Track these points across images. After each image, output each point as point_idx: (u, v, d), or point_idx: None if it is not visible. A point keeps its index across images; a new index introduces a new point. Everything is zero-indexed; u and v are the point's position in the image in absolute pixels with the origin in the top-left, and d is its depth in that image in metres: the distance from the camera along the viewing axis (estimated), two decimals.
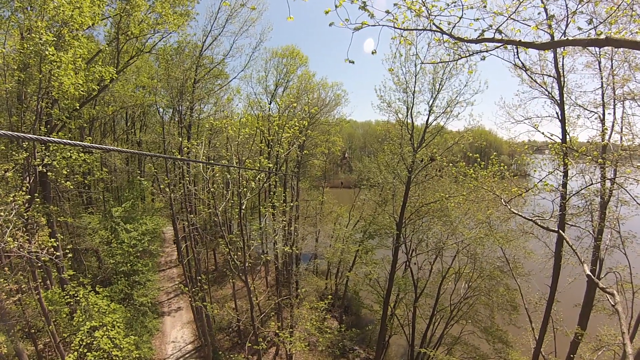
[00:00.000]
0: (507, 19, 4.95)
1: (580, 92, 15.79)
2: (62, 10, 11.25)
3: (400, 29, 4.87)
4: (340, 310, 30.35)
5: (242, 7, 19.72)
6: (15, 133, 2.26)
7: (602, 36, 2.95)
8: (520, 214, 9.66)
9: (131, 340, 15.97)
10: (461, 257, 21.92)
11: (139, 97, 27.21)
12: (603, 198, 14.46)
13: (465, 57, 5.97)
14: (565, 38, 3.79)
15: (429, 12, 5.00)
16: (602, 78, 14.79)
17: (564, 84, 14.65)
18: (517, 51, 4.76)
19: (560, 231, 7.57)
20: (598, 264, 15.46)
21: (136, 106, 30.96)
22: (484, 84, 17.07)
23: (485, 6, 5.12)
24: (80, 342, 14.43)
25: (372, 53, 4.99)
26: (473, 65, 16.47)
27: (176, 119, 22.32)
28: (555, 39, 12.56)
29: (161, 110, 26.29)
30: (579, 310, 16.38)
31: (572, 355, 16.10)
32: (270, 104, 30.05)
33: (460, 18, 4.94)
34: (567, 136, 14.57)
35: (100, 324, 15.34)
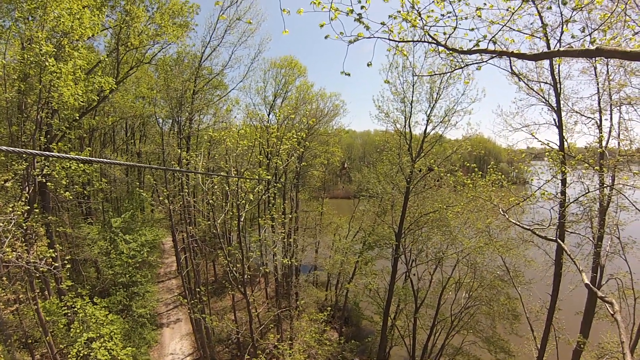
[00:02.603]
0: (502, 28, 5.00)
1: (577, 98, 15.89)
2: (62, 22, 11.36)
3: (396, 40, 4.89)
4: (341, 321, 30.11)
5: (238, 20, 19.94)
6: (16, 149, 2.28)
7: (593, 47, 2.99)
8: (518, 223, 9.63)
9: (129, 351, 15.84)
10: (461, 267, 21.82)
11: (139, 108, 27.37)
12: (602, 204, 14.46)
13: (461, 67, 6.00)
14: (557, 49, 3.84)
15: (424, 23, 5.00)
16: (598, 84, 14.89)
17: (560, 90, 14.73)
18: (510, 61, 4.79)
19: (559, 240, 7.56)
20: (599, 270, 15.41)
21: (136, 117, 31.14)
22: (481, 92, 17.25)
23: (480, 16, 5.14)
24: (78, 353, 14.32)
25: (368, 65, 5.02)
26: (470, 74, 16.50)
27: (175, 130, 22.40)
28: (551, 45, 12.72)
29: (160, 120, 26.43)
30: (581, 318, 16.29)
31: None
32: (269, 115, 30.19)
33: (454, 29, 4.97)
34: (565, 142, 14.59)
35: (98, 335, 15.23)
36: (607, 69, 14.63)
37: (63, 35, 11.87)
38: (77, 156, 2.70)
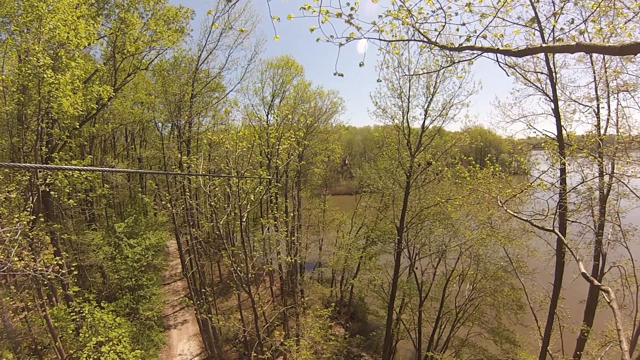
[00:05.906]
0: (491, 21, 5.05)
1: (574, 86, 15.82)
2: (58, 33, 11.45)
3: (386, 40, 4.93)
4: (346, 317, 30.28)
5: (230, 29, 20.09)
6: (19, 164, 2.39)
7: (573, 42, 3.06)
8: (516, 214, 9.70)
9: (138, 354, 16.01)
10: (464, 259, 21.85)
11: (138, 114, 27.51)
12: (602, 192, 14.47)
13: (454, 63, 6.07)
14: (540, 45, 3.91)
15: (415, 20, 5.03)
16: (594, 72, 14.81)
17: (556, 80, 14.61)
18: (497, 56, 4.85)
19: (555, 230, 7.62)
20: (601, 258, 15.43)
21: (135, 122, 31.29)
22: (478, 84, 17.22)
23: (470, 10, 5.15)
24: (87, 358, 14.47)
25: (360, 65, 5.09)
26: (465, 67, 16.48)
27: (175, 134, 22.52)
28: (545, 36, 12.74)
29: (160, 125, 26.54)
30: (584, 307, 16.34)
31: (579, 352, 16.00)
32: (267, 116, 30.27)
33: (443, 26, 5.04)
34: (564, 131, 14.51)
35: (107, 339, 15.40)
36: (604, 57, 14.54)
37: (59, 46, 11.96)
38: (79, 166, 2.80)
